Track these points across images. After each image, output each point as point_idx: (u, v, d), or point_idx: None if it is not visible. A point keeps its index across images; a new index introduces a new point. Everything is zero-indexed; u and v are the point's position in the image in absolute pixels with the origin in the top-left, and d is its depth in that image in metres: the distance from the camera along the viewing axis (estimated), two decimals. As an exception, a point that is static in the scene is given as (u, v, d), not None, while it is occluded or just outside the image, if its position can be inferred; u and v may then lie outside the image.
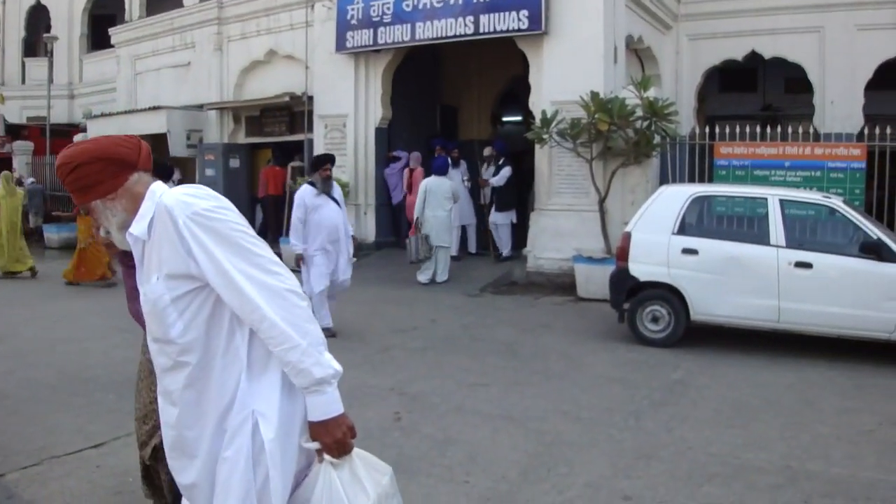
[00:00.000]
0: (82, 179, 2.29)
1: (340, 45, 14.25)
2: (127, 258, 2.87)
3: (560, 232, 11.67)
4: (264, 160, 17.60)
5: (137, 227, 2.25)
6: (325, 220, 8.39)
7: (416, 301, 10.75)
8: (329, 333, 7.38)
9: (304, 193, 8.49)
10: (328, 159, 8.81)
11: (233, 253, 2.15)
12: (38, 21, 24.47)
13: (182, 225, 2.13)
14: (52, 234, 17.44)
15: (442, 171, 12.19)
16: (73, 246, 16.87)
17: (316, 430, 2.23)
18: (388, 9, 13.40)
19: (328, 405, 2.21)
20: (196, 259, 2.14)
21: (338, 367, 2.21)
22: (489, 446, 5.12)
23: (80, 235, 12.52)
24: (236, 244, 2.16)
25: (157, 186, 2.31)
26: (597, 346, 8.06)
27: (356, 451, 2.30)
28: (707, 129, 11.72)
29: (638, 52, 14.26)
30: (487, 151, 14.17)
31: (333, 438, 2.21)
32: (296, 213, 8.43)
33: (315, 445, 2.24)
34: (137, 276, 2.37)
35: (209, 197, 2.20)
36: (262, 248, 2.21)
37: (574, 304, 10.46)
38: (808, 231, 8.35)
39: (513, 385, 6.60)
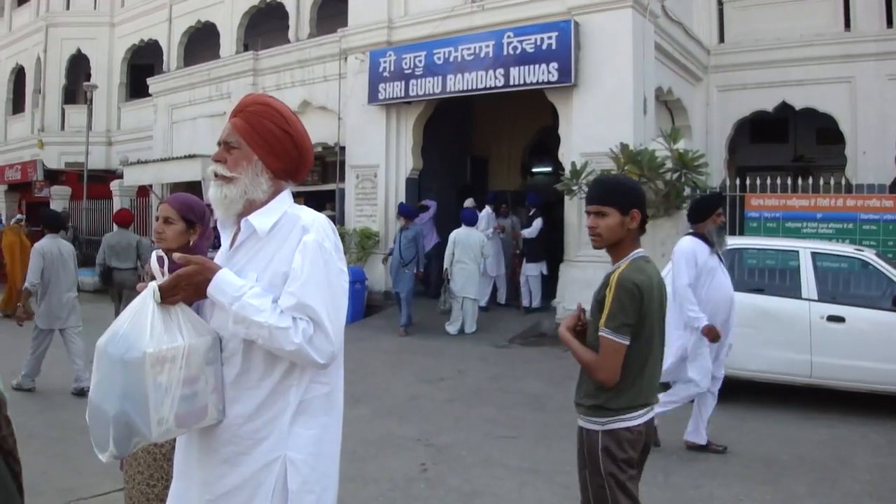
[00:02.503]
0: (270, 135, 2.31)
1: (372, 97, 14.47)
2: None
3: (589, 283, 11.44)
4: (298, 209, 17.80)
5: (261, 219, 2.26)
6: (720, 290, 6.07)
7: (444, 351, 10.74)
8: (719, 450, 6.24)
9: (694, 247, 6.05)
10: (720, 202, 6.44)
11: (321, 279, 2.19)
12: (78, 69, 25.10)
13: (305, 242, 2.19)
14: (86, 277, 17.71)
15: (471, 223, 12.24)
16: (103, 290, 17.14)
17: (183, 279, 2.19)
18: (420, 61, 13.61)
19: (221, 294, 2.18)
20: (293, 261, 2.19)
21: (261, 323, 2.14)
22: (515, 500, 5.10)
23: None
24: (328, 279, 2.20)
25: (290, 195, 2.37)
26: (626, 399, 7.97)
27: (185, 308, 2.23)
28: (738, 181, 11.69)
29: (668, 103, 14.35)
30: (469, 203, 13.96)
31: (180, 284, 2.18)
32: (684, 274, 6.00)
33: (155, 283, 2.19)
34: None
35: (333, 237, 2.27)
36: (343, 293, 2.26)
37: (603, 356, 10.36)
38: (840, 284, 8.29)
39: (540, 438, 6.56)
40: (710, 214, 6.04)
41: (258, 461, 2.22)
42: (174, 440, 2.46)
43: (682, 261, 5.99)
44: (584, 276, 11.72)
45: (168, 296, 2.17)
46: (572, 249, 12.16)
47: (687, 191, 10.99)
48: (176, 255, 2.26)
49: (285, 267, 2.19)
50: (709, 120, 15.45)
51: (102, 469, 5.41)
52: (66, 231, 8.70)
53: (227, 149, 2.32)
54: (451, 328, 12.11)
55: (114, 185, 20.65)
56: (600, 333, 2.97)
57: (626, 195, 3.06)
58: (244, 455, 2.23)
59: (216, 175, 2.32)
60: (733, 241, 8.72)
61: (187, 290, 2.19)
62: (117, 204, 20.05)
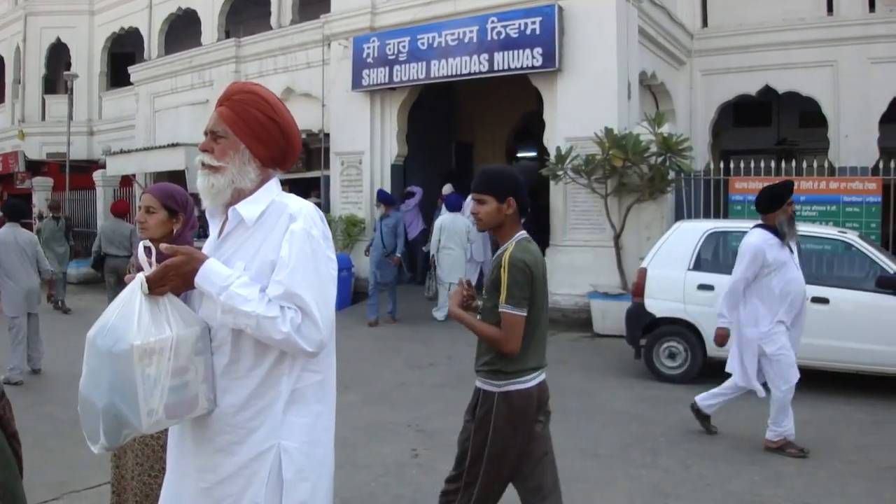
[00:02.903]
0: (256, 123, 2.30)
1: (356, 83, 14.42)
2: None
3: (575, 268, 11.69)
4: (281, 196, 17.76)
5: (248, 209, 2.26)
6: (795, 284, 5.75)
7: (433, 337, 10.77)
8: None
9: (762, 242, 5.72)
10: (791, 190, 5.92)
11: (308, 267, 2.19)
12: (58, 59, 24.78)
13: (293, 231, 2.19)
14: (71, 269, 17.59)
15: (456, 208, 12.25)
16: (92, 281, 17.10)
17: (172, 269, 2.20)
18: (404, 47, 13.57)
19: (208, 284, 2.19)
20: (281, 249, 2.19)
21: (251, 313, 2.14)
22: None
23: None
24: (316, 267, 2.20)
25: (278, 183, 2.37)
26: (613, 383, 8.05)
27: (173, 299, 2.24)
28: (722, 164, 11.75)
29: (652, 88, 14.39)
30: (447, 189, 14.00)
31: (167, 275, 2.19)
32: (746, 270, 5.73)
33: (142, 274, 2.20)
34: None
35: (321, 225, 2.27)
36: (332, 281, 2.26)
37: (590, 341, 10.45)
38: (824, 266, 8.35)
39: (530, 421, 6.59)
40: (781, 204, 5.75)
41: (252, 450, 2.23)
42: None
43: (749, 256, 5.70)
44: (570, 260, 11.80)
45: (156, 287, 2.17)
46: (558, 234, 12.19)
47: (672, 174, 11.04)
48: (163, 246, 2.26)
49: (273, 255, 2.20)
50: (692, 104, 15.51)
51: (94, 462, 5.41)
52: (23, 221, 8.76)
53: (214, 138, 2.31)
54: (439, 314, 12.12)
55: (96, 176, 20.46)
56: (501, 310, 3.22)
57: (502, 184, 3.35)
58: (238, 444, 2.24)
59: (203, 165, 2.32)
60: (718, 224, 8.81)
61: (175, 280, 2.19)
62: (100, 194, 19.91)
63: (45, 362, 8.84)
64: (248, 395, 2.23)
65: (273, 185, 2.35)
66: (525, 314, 3.22)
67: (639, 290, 8.34)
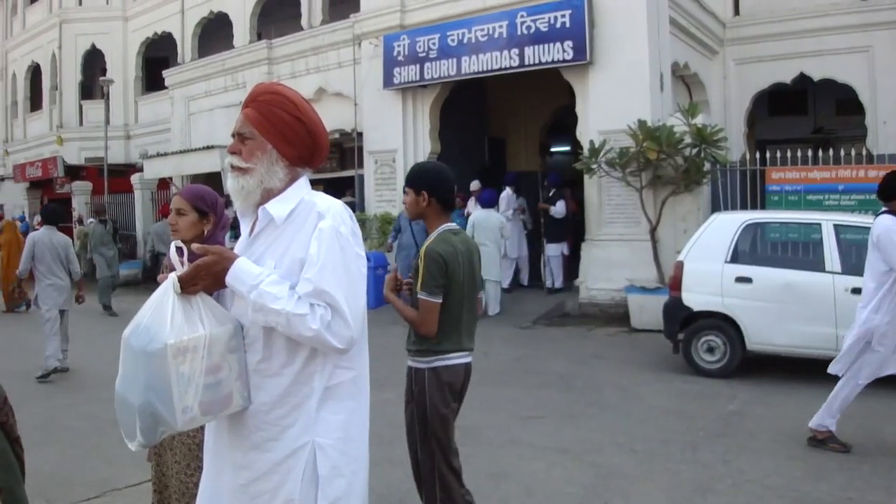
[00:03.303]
0: (282, 123, 2.32)
1: (388, 82, 14.46)
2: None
3: (612, 262, 11.63)
4: (317, 196, 17.88)
5: (277, 208, 2.28)
6: None
7: (468, 334, 10.74)
8: None
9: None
10: None
11: (337, 265, 2.20)
12: (93, 65, 25.22)
13: (321, 229, 2.20)
14: (125, 270, 17.75)
15: (489, 204, 12.21)
16: (134, 283, 17.35)
17: (203, 269, 2.22)
18: (434, 44, 13.58)
19: (239, 283, 2.21)
20: (310, 247, 2.20)
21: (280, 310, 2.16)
22: (544, 479, 5.11)
23: None
24: (345, 264, 2.21)
25: (307, 182, 2.38)
26: (651, 378, 7.99)
27: (206, 298, 2.26)
28: (758, 155, 11.61)
29: (685, 78, 14.24)
30: (475, 186, 13.99)
31: (199, 274, 2.21)
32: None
33: (174, 274, 2.22)
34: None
35: (350, 223, 2.28)
36: (361, 277, 2.28)
37: (628, 335, 10.38)
38: (864, 256, 8.20)
39: (567, 417, 6.58)
40: None
41: (287, 447, 2.24)
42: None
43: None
44: (606, 254, 11.73)
45: (188, 286, 2.19)
46: (594, 228, 12.13)
47: (707, 166, 10.92)
48: (194, 246, 2.29)
49: (302, 253, 2.21)
50: (726, 94, 15.32)
51: (135, 460, 5.46)
52: (58, 224, 9.49)
53: (241, 140, 2.33)
54: (473, 311, 12.11)
55: (134, 179, 20.79)
56: (418, 296, 3.62)
57: (418, 179, 3.72)
58: (273, 441, 2.25)
59: (232, 167, 2.34)
60: (755, 216, 8.71)
61: (206, 279, 2.22)
62: (138, 197, 20.21)
63: (87, 361, 9.02)
64: (282, 393, 2.25)
65: (302, 184, 2.36)
66: (439, 301, 3.58)
67: (676, 284, 8.25)
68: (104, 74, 23.32)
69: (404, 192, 3.80)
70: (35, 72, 27.77)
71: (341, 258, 2.20)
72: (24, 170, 25.07)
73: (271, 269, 2.22)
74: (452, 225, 3.76)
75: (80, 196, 22.31)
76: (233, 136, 2.36)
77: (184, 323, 2.15)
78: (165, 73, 21.03)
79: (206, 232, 3.37)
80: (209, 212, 3.40)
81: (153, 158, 20.07)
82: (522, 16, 12.36)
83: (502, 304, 12.26)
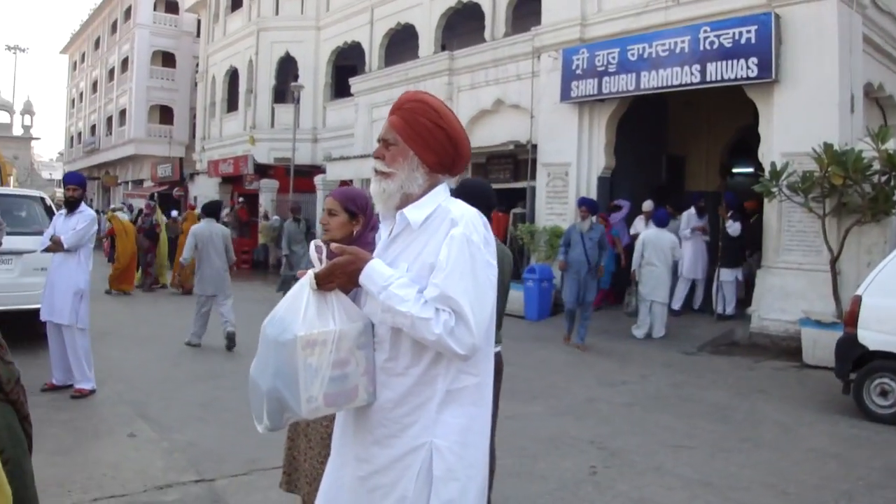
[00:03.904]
0: (424, 130, 2.39)
1: (565, 95, 14.42)
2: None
3: (788, 292, 11.04)
4: (488, 206, 18.03)
5: (414, 213, 2.35)
6: None
7: (629, 355, 10.54)
8: None
9: None
10: None
11: (465, 272, 2.23)
12: (286, 70, 26.72)
13: (452, 236, 2.25)
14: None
15: (662, 224, 11.89)
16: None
17: (338, 269, 2.31)
18: (613, 58, 13.42)
19: (370, 283, 2.27)
20: (440, 253, 2.25)
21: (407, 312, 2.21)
22: (683, 513, 4.92)
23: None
24: (473, 272, 2.24)
25: (446, 189, 2.44)
26: (816, 418, 7.50)
27: (340, 295, 2.35)
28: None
29: (879, 100, 13.33)
30: (648, 206, 13.75)
31: (335, 272, 2.30)
32: None
33: (312, 271, 2.31)
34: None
35: (483, 231, 2.31)
36: (490, 286, 2.29)
37: (797, 371, 9.78)
38: None
39: (718, 450, 6.30)
40: None
41: (406, 445, 2.30)
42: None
43: None
44: (782, 283, 11.17)
45: (324, 283, 2.31)
46: (770, 255, 11.55)
47: (897, 195, 10.15)
48: (333, 245, 2.39)
49: (432, 259, 2.26)
50: (926, 119, 14.20)
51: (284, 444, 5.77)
52: (222, 220, 10.74)
53: (386, 145, 2.42)
54: (638, 332, 11.86)
55: (317, 180, 21.78)
56: None
57: (455, 193, 3.50)
58: (393, 438, 2.32)
59: (376, 171, 2.43)
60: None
61: (341, 278, 2.32)
62: (320, 197, 21.15)
63: (251, 346, 9.54)
64: (405, 392, 2.31)
65: (440, 191, 2.41)
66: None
67: (851, 320, 7.71)
68: (296, 80, 24.61)
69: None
70: (233, 75, 29.76)
71: (470, 265, 2.23)
72: (217, 166, 26.83)
73: (403, 272, 2.29)
74: None
75: (267, 193, 23.65)
76: (378, 141, 2.46)
77: (316, 317, 2.27)
78: (352, 80, 21.89)
79: (355, 232, 3.48)
80: (359, 213, 3.51)
81: (336, 161, 20.95)
82: (706, 31, 11.97)
83: (668, 328, 11.91)
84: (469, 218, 2.29)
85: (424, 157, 2.38)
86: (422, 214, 2.33)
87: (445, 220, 2.28)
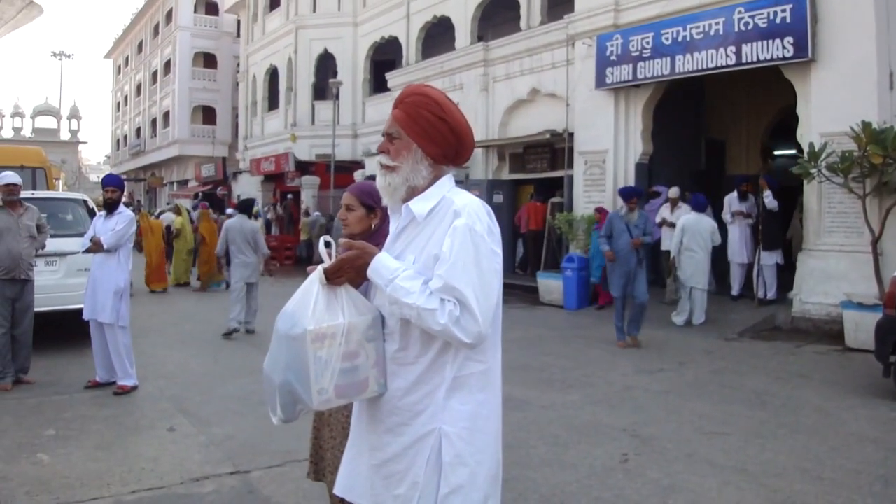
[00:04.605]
0: (426, 123, 2.41)
1: (600, 82, 14.34)
2: None
3: (829, 274, 10.85)
4: (526, 195, 18.05)
5: (419, 205, 2.39)
6: None
7: (668, 342, 10.46)
8: None
9: None
10: None
11: (469, 262, 2.25)
12: (325, 67, 26.89)
13: (455, 226, 2.28)
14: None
15: (701, 209, 11.75)
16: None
17: (345, 265, 2.36)
18: (647, 43, 13.30)
19: (378, 276, 2.32)
20: (444, 243, 2.28)
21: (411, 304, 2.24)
22: (714, 498, 4.89)
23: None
24: (477, 262, 2.26)
25: (450, 180, 2.47)
26: (856, 402, 7.36)
27: (350, 289, 2.39)
28: None
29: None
30: (674, 193, 13.55)
31: (343, 267, 2.35)
32: None
33: (321, 266, 2.37)
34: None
35: (486, 220, 2.33)
36: (494, 275, 2.31)
37: (839, 355, 9.62)
38: None
39: (754, 437, 6.23)
40: None
41: (416, 432, 2.36)
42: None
43: None
44: (824, 266, 10.99)
45: (333, 278, 2.36)
46: (812, 237, 11.37)
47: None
48: (341, 241, 2.45)
49: (437, 250, 2.29)
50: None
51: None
52: (254, 217, 11.52)
53: (390, 139, 2.46)
54: (678, 319, 11.76)
55: (357, 175, 21.95)
56: None
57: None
58: (405, 426, 2.37)
59: (381, 165, 2.47)
60: None
61: (350, 272, 2.37)
62: (360, 193, 21.23)
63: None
64: (415, 381, 2.36)
65: (445, 182, 2.44)
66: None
67: (891, 301, 7.56)
68: (335, 76, 24.77)
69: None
70: (273, 74, 30.04)
71: (473, 255, 2.26)
72: (259, 164, 27.15)
73: (410, 264, 2.33)
74: None
75: (308, 189, 23.88)
76: (383, 135, 2.50)
77: (325, 311, 2.33)
78: (388, 75, 21.99)
79: (373, 226, 3.51)
80: (376, 207, 3.54)
81: (374, 156, 20.98)
82: (740, 11, 11.80)
83: (708, 314, 11.77)
84: (472, 208, 2.32)
85: (428, 149, 2.41)
86: (426, 206, 2.37)
87: (449, 211, 2.32)
